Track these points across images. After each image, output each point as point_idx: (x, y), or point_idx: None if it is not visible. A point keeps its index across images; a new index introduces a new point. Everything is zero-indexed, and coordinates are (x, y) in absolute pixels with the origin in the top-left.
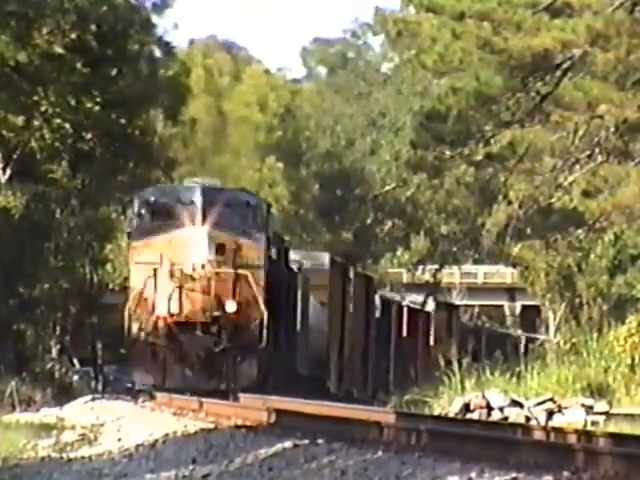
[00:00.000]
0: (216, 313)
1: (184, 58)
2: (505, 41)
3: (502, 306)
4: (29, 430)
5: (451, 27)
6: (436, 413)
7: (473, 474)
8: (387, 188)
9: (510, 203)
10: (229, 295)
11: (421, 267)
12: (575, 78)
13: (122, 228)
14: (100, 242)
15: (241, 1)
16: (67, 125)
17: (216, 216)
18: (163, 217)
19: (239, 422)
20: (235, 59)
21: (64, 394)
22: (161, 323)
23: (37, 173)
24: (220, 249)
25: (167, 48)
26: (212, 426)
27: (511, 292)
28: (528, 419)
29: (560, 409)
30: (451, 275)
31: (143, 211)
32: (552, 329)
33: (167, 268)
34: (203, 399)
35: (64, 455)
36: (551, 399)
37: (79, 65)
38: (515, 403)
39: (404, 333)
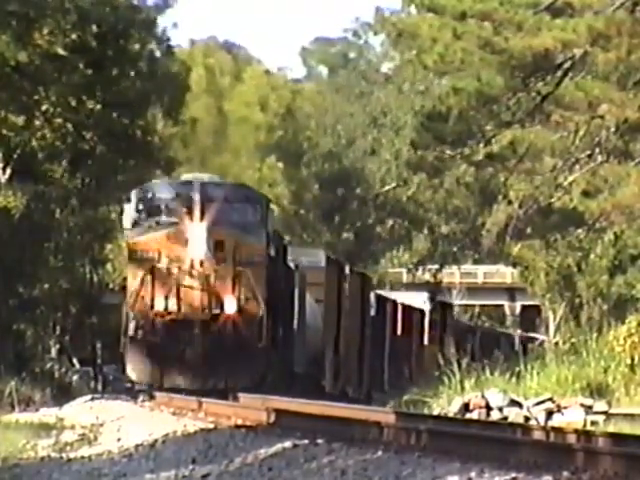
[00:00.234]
0: (215, 311)
1: (185, 58)
2: (506, 41)
3: (502, 306)
4: (28, 430)
5: (452, 27)
6: (435, 413)
7: (473, 474)
8: (387, 188)
9: (510, 203)
10: (228, 293)
11: (421, 267)
12: (576, 78)
13: (122, 229)
14: (100, 242)
15: (241, 1)
16: (68, 124)
17: (215, 212)
18: (161, 213)
19: (239, 422)
20: (236, 59)
21: (63, 394)
22: (159, 321)
23: (37, 173)
24: (219, 246)
25: (168, 48)
26: (212, 426)
27: (511, 292)
28: (527, 419)
29: (559, 409)
30: (451, 275)
31: (141, 207)
32: (552, 329)
33: (165, 265)
34: (202, 399)
35: (64, 455)
36: (550, 399)
37: (80, 66)
38: (514, 403)
39: (399, 331)
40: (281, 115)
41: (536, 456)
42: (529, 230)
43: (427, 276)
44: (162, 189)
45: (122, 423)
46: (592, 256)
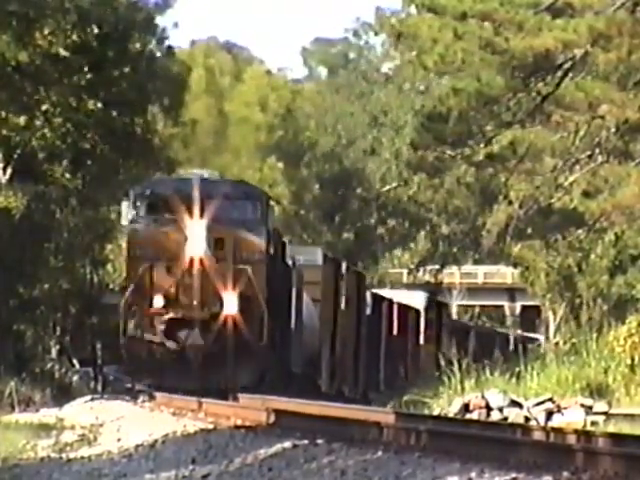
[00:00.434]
0: (215, 310)
1: (185, 58)
2: (506, 41)
3: (502, 306)
4: (28, 430)
5: (452, 27)
6: (435, 413)
7: (473, 474)
8: (388, 187)
9: (510, 203)
10: (228, 291)
11: (422, 267)
12: (576, 78)
13: (121, 227)
14: (100, 242)
15: (242, 1)
16: (68, 124)
17: (215, 209)
18: (160, 210)
19: (238, 422)
20: (236, 59)
21: (64, 394)
22: (158, 320)
23: (37, 173)
24: (219, 243)
25: (169, 49)
26: (211, 426)
27: (511, 292)
28: (527, 419)
29: (559, 409)
30: (451, 275)
31: (139, 204)
32: (552, 329)
33: (164, 263)
34: (202, 399)
35: (64, 455)
36: (550, 399)
37: (81, 66)
38: (514, 403)
39: (394, 331)
40: (281, 115)
41: (536, 456)
42: (529, 230)
43: (427, 276)
44: (161, 186)
45: (122, 423)
46: (592, 256)
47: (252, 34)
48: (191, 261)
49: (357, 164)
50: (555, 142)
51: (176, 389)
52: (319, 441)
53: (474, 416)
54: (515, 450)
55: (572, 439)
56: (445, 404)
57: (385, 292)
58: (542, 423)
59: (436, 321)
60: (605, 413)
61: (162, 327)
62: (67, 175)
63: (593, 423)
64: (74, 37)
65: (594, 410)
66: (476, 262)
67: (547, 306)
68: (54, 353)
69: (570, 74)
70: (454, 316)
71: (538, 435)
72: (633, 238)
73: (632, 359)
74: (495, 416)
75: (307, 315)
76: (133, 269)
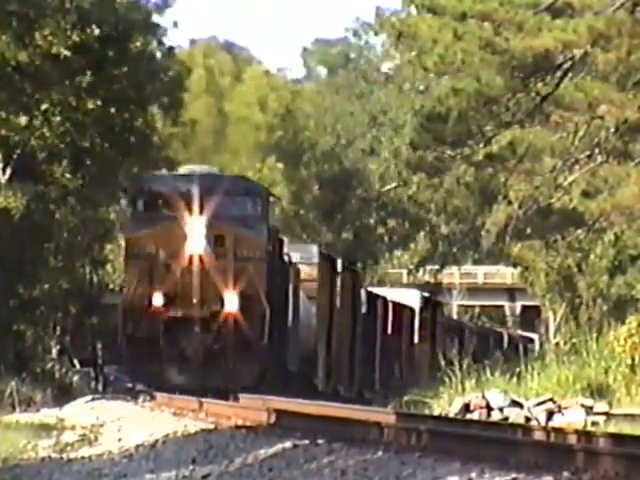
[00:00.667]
0: (215, 308)
1: (185, 58)
2: (506, 41)
3: (502, 306)
4: (29, 430)
5: (452, 28)
6: (436, 413)
7: (473, 474)
8: (388, 187)
9: (510, 203)
10: (228, 289)
11: (421, 267)
12: (576, 78)
13: (120, 226)
14: (100, 242)
15: (241, 1)
16: (67, 123)
17: (214, 206)
18: (159, 207)
19: (239, 422)
20: (236, 59)
21: (64, 394)
22: (157, 319)
23: (37, 173)
24: (219, 240)
25: (170, 50)
26: (212, 426)
27: (511, 292)
28: (528, 419)
29: (560, 409)
30: (451, 275)
31: (137, 201)
32: (552, 329)
33: (163, 261)
34: (203, 399)
35: (64, 455)
36: (551, 399)
37: (81, 66)
38: (515, 403)
39: (389, 329)
40: (281, 115)
41: (537, 456)
42: (529, 230)
43: (427, 276)
44: (160, 182)
45: (122, 423)
46: (592, 256)
47: (252, 34)
48: (191, 258)
49: (357, 164)
50: (554, 142)
51: (176, 389)
52: (319, 441)
53: (475, 416)
54: (516, 450)
55: (573, 439)
56: (446, 404)
57: (380, 290)
58: (543, 423)
59: (431, 320)
60: (606, 413)
61: (161, 326)
62: (67, 175)
63: (594, 423)
64: (74, 37)
65: (595, 410)
66: (476, 262)
67: (547, 306)
68: (54, 353)
69: (570, 74)
70: (454, 316)
71: (539, 435)
72: (633, 238)
73: (632, 359)
74: (496, 416)
75: (303, 313)
76: (132, 267)
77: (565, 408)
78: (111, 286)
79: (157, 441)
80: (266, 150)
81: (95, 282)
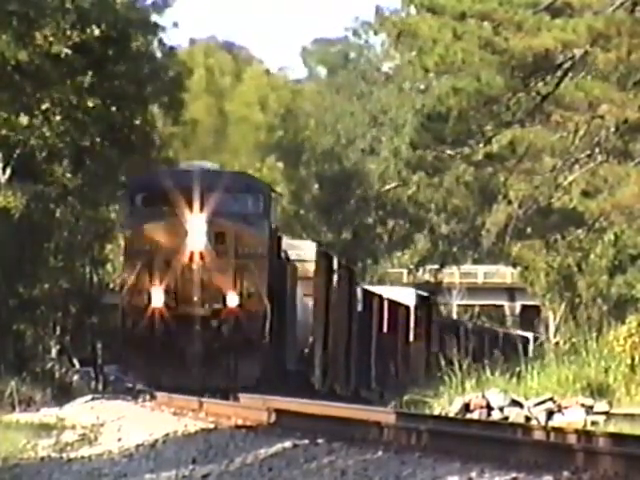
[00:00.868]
0: (216, 306)
1: (185, 58)
2: (506, 41)
3: (502, 306)
4: (29, 430)
5: (452, 27)
6: (436, 413)
7: (473, 474)
8: (388, 187)
9: (510, 203)
10: (230, 287)
11: (421, 267)
12: (576, 78)
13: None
14: (100, 242)
15: (241, 1)
16: (67, 122)
17: (215, 202)
18: (158, 203)
19: (239, 422)
20: (236, 59)
21: (64, 394)
22: (157, 317)
23: (37, 173)
24: (219, 237)
25: (171, 50)
26: (212, 426)
27: (511, 292)
28: (528, 419)
29: (560, 409)
30: (451, 275)
31: (137, 197)
32: (552, 329)
33: (163, 258)
34: (203, 399)
35: (64, 455)
36: (551, 399)
37: (82, 66)
38: (515, 403)
39: (385, 327)
40: (281, 115)
41: (537, 456)
42: (529, 230)
43: (427, 276)
44: (160, 178)
45: (123, 423)
46: (592, 256)
47: (252, 34)
48: (191, 256)
49: (357, 164)
50: (554, 142)
51: (175, 388)
52: (319, 441)
53: (475, 416)
54: (516, 450)
55: (572, 439)
56: (446, 404)
57: (375, 288)
58: (543, 423)
59: (426, 318)
60: (605, 413)
61: (161, 324)
62: (67, 174)
63: (593, 423)
64: (74, 37)
65: (594, 410)
66: (476, 262)
67: (547, 306)
68: (54, 353)
69: (570, 74)
70: (454, 315)
71: (539, 435)
72: (632, 238)
73: (632, 359)
74: (496, 416)
75: (300, 311)
76: (131, 264)
77: (565, 408)
78: (111, 286)
79: (157, 441)
80: (266, 150)
81: (95, 282)
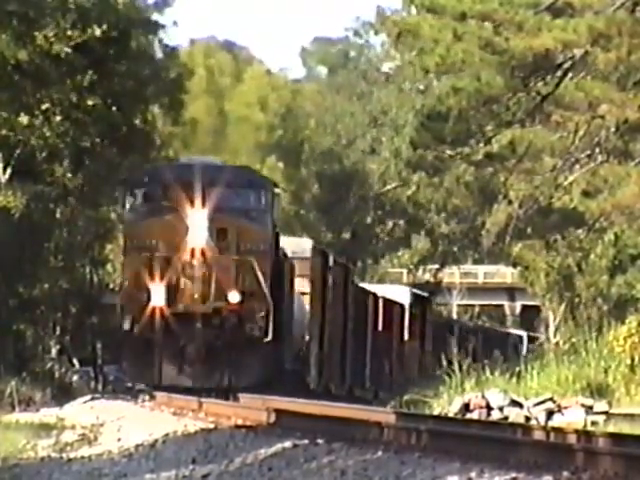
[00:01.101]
0: (217, 304)
1: (185, 58)
2: (506, 41)
3: (502, 306)
4: (29, 430)
5: (452, 28)
6: (436, 413)
7: (473, 474)
8: (388, 187)
9: (510, 203)
10: (231, 284)
11: (421, 267)
12: (576, 78)
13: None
14: (100, 242)
15: (241, 1)
16: (67, 122)
17: (217, 197)
18: (158, 199)
19: (239, 422)
20: (236, 59)
21: (64, 394)
22: (157, 315)
23: (37, 173)
24: (221, 233)
25: (172, 50)
26: (212, 426)
27: (511, 292)
28: (528, 419)
29: (560, 409)
30: (451, 275)
31: (137, 192)
32: (552, 329)
33: (163, 254)
34: (203, 399)
35: (64, 455)
36: (551, 399)
37: (82, 66)
38: (515, 403)
39: (380, 326)
40: (281, 115)
41: (536, 456)
42: (529, 230)
43: (427, 276)
44: (160, 172)
45: (122, 423)
46: (592, 256)
47: (252, 34)
48: (192, 252)
49: (357, 164)
50: (555, 142)
51: (175, 388)
52: (319, 441)
53: (474, 416)
54: (515, 450)
55: (572, 439)
56: (445, 404)
57: (370, 286)
58: (542, 423)
59: (420, 316)
60: (605, 413)
61: (162, 322)
62: (67, 174)
63: (593, 423)
64: (75, 37)
65: (594, 410)
66: (476, 262)
67: (547, 306)
68: (54, 353)
69: (570, 74)
70: (454, 315)
71: (538, 435)
72: (633, 238)
73: (632, 359)
74: (495, 416)
75: (297, 309)
76: (131, 261)
77: (565, 408)
78: (111, 286)
79: (157, 441)
80: (266, 150)
81: (95, 282)
